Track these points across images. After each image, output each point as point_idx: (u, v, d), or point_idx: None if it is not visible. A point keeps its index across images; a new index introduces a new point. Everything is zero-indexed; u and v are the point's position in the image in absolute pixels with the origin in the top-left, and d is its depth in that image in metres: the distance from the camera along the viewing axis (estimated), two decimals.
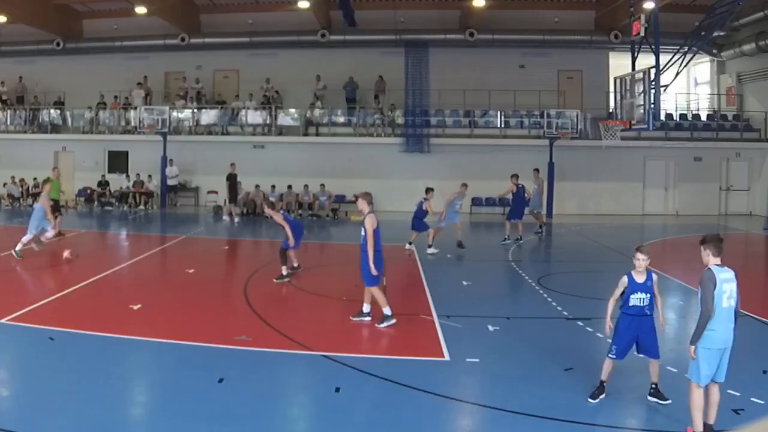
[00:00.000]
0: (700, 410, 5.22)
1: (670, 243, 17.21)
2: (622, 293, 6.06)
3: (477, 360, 7.35)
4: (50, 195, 15.86)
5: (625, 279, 6.05)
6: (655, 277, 6.04)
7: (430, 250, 14.28)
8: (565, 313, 9.52)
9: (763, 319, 8.82)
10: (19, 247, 12.96)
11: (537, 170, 18.80)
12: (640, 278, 5.99)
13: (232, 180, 21.04)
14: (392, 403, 6.13)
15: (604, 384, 6.18)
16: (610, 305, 6.21)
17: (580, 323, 8.89)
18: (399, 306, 9.17)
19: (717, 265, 5.21)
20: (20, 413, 5.66)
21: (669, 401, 5.94)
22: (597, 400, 6.09)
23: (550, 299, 10.40)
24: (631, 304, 6.00)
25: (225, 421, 5.63)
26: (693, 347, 5.19)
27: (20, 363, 7.03)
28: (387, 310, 8.63)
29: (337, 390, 6.32)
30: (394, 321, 8.59)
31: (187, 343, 7.69)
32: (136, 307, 9.21)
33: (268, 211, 11.95)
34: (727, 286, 5.14)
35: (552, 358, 7.42)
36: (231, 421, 5.62)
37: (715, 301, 5.09)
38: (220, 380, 6.49)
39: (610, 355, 6.12)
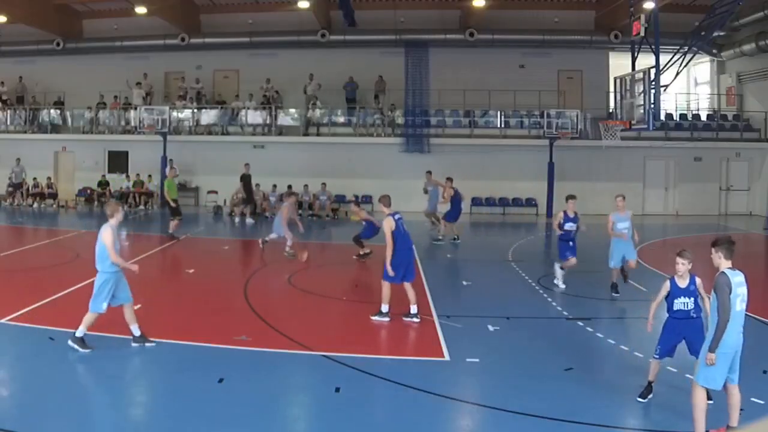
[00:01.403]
0: (704, 412, 5.19)
1: (671, 243, 17.18)
2: (667, 297, 6.05)
3: (477, 360, 7.35)
4: (169, 195, 16.15)
5: (667, 283, 6.05)
6: (698, 280, 5.98)
7: (559, 283, 11.20)
8: (565, 313, 9.52)
9: (763, 319, 8.82)
10: (288, 249, 13.81)
11: (429, 172, 18.85)
12: (682, 283, 5.96)
13: (246, 180, 20.99)
14: (392, 403, 6.14)
15: (652, 384, 6.19)
16: (653, 307, 6.24)
17: (580, 323, 8.89)
18: (399, 306, 9.17)
19: (729, 268, 5.17)
20: (20, 413, 5.66)
21: (712, 402, 5.66)
22: (646, 400, 6.12)
23: (550, 299, 10.41)
24: (675, 309, 6.00)
25: (225, 421, 5.63)
26: (713, 355, 5.08)
27: (20, 363, 7.03)
28: (384, 308, 8.77)
29: (337, 390, 6.32)
30: (387, 320, 8.72)
31: (187, 343, 7.69)
32: (136, 307, 9.17)
33: (354, 208, 14.06)
34: (740, 289, 5.14)
35: (552, 358, 7.42)
36: (231, 421, 5.62)
37: (731, 305, 5.05)
38: (220, 380, 6.49)
39: (654, 356, 6.16)
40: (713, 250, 5.26)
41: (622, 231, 10.42)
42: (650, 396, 6.17)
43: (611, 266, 10.48)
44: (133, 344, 7.46)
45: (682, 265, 5.91)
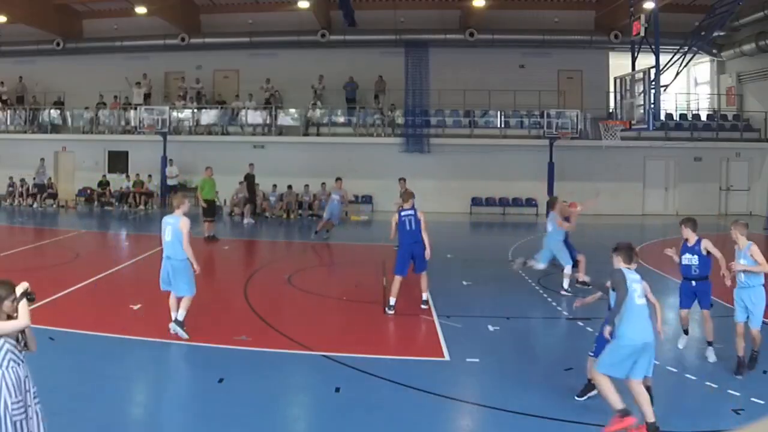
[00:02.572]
0: (612, 389, 5.29)
1: (670, 243, 17.17)
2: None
3: (477, 360, 7.35)
4: (202, 194, 15.91)
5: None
6: (645, 285, 5.81)
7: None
8: (565, 313, 9.52)
9: (763, 319, 8.81)
10: (566, 283, 10.69)
11: (339, 179, 17.43)
12: None
13: (250, 180, 21.01)
14: (392, 403, 6.14)
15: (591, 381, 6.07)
16: (591, 298, 6.39)
17: (580, 323, 8.88)
18: (399, 306, 9.19)
19: (629, 269, 5.56)
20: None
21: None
22: (584, 398, 6.05)
23: (550, 299, 10.40)
24: None
25: (225, 421, 5.63)
26: (609, 328, 5.40)
27: None
28: (392, 300, 9.19)
29: (337, 390, 6.32)
30: (392, 312, 9.11)
31: (187, 343, 7.70)
32: (136, 307, 9.21)
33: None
34: (636, 285, 5.45)
35: (552, 358, 7.42)
36: (231, 421, 5.62)
37: (628, 299, 5.34)
38: (220, 380, 6.49)
39: (589, 353, 6.06)
40: (614, 254, 5.68)
41: (739, 273, 7.03)
42: (591, 394, 6.01)
43: (736, 319, 6.98)
44: (171, 325, 7.83)
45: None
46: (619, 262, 5.64)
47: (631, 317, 5.33)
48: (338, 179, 17.44)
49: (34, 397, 4.16)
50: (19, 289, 4.05)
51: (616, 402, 5.27)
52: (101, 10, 25.37)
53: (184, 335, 7.69)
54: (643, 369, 5.33)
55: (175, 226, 7.78)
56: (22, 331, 4.06)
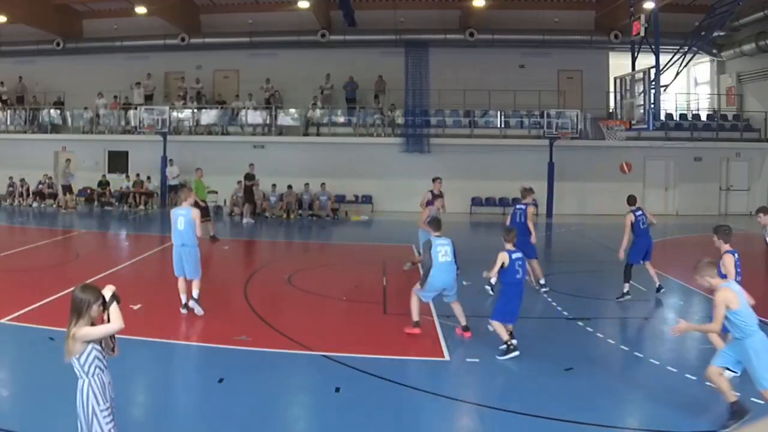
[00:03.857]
0: (418, 308, 8.08)
1: (670, 243, 17.18)
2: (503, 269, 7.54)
3: (477, 360, 7.35)
4: (198, 196, 15.75)
5: (505, 255, 7.51)
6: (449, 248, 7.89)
7: None
8: (565, 313, 9.52)
9: (763, 319, 8.80)
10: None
11: (438, 179, 13.23)
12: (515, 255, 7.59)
13: (250, 180, 21.00)
14: (392, 403, 6.14)
15: (511, 342, 7.40)
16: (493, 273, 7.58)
17: (580, 323, 8.89)
18: (399, 306, 9.18)
19: (437, 236, 7.92)
20: (20, 413, 5.66)
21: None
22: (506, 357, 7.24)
23: (550, 299, 10.40)
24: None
25: (225, 421, 5.63)
26: (419, 287, 7.92)
27: (20, 363, 7.03)
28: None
29: (337, 390, 6.32)
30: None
31: (187, 343, 7.69)
32: (136, 307, 9.20)
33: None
34: (441, 248, 7.82)
35: (552, 358, 7.41)
36: (231, 421, 5.62)
37: (433, 256, 7.73)
38: (220, 380, 6.49)
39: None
40: (428, 228, 8.33)
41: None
42: (515, 354, 7.23)
43: None
44: (190, 302, 8.87)
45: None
46: (430, 233, 8.03)
47: (436, 270, 7.73)
48: (437, 179, 13.24)
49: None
50: (108, 292, 3.98)
51: (416, 315, 8.06)
52: (101, 10, 25.38)
53: (201, 311, 8.77)
54: (453, 293, 8.00)
55: (187, 217, 8.72)
56: (111, 335, 4.04)
